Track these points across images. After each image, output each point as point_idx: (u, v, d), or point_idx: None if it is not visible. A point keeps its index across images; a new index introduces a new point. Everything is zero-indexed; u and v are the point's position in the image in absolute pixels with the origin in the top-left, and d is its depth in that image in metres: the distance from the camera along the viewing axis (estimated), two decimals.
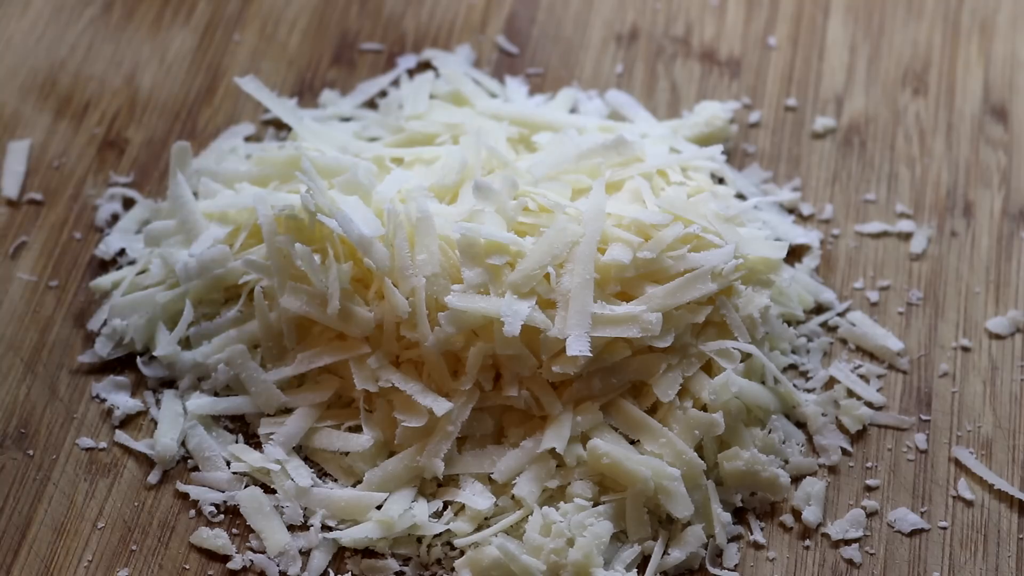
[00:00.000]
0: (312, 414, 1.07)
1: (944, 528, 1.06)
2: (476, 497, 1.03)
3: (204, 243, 1.11)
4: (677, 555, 1.03)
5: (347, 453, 1.06)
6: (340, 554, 1.04)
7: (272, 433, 1.07)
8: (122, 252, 1.17)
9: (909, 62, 1.28)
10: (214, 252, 1.10)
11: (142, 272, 1.14)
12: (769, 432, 1.07)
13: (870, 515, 1.06)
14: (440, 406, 1.04)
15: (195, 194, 1.15)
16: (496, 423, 1.06)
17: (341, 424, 1.07)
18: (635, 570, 1.02)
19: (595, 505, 1.03)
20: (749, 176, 1.21)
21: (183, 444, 1.08)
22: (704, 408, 1.06)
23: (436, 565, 1.03)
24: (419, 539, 1.04)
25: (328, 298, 1.05)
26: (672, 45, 1.29)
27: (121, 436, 1.08)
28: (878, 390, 1.11)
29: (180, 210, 1.14)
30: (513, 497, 1.04)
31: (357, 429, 1.07)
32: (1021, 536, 1.05)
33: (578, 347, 1.03)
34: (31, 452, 1.08)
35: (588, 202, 1.08)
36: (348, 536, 1.03)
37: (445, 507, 1.05)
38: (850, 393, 1.11)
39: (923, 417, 1.10)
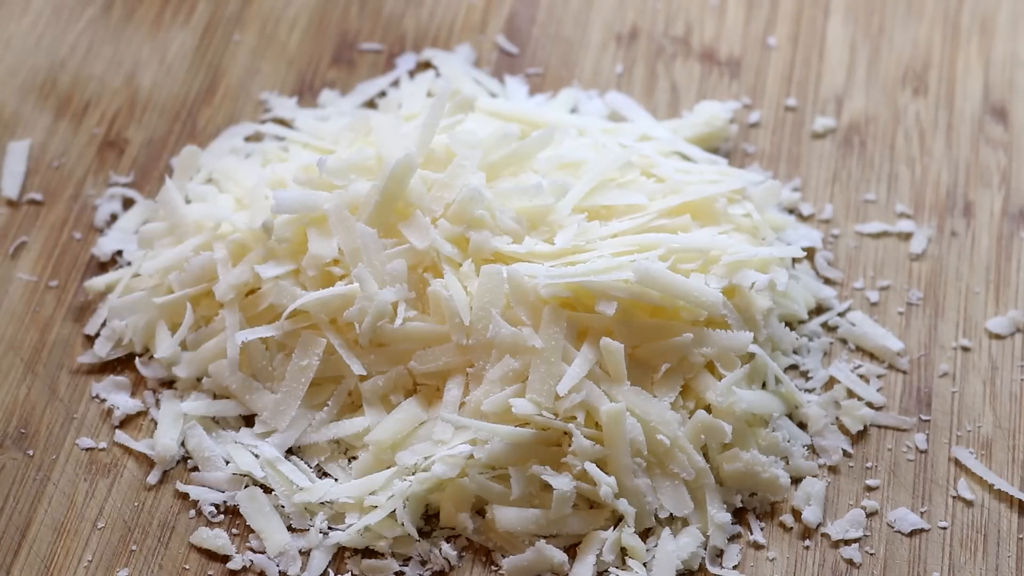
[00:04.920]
0: (308, 414, 1.07)
1: (944, 528, 1.06)
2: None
3: (187, 249, 1.11)
4: (677, 555, 1.03)
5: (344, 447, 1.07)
6: (340, 554, 1.04)
7: (268, 433, 1.07)
8: (120, 252, 1.17)
9: (909, 62, 1.28)
10: (202, 260, 1.10)
11: (138, 274, 1.14)
12: (773, 431, 1.07)
13: (870, 515, 1.06)
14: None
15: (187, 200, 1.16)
16: None
17: (339, 418, 1.08)
18: (642, 566, 1.03)
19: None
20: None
21: (183, 444, 1.08)
22: (708, 408, 1.06)
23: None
24: (419, 538, 1.04)
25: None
26: (672, 45, 1.29)
27: (121, 436, 1.08)
28: (878, 390, 1.11)
29: (171, 215, 1.13)
30: None
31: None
32: (1021, 536, 1.05)
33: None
34: (31, 452, 1.08)
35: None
36: (348, 536, 1.03)
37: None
38: (850, 393, 1.11)
39: (923, 417, 1.10)
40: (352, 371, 1.06)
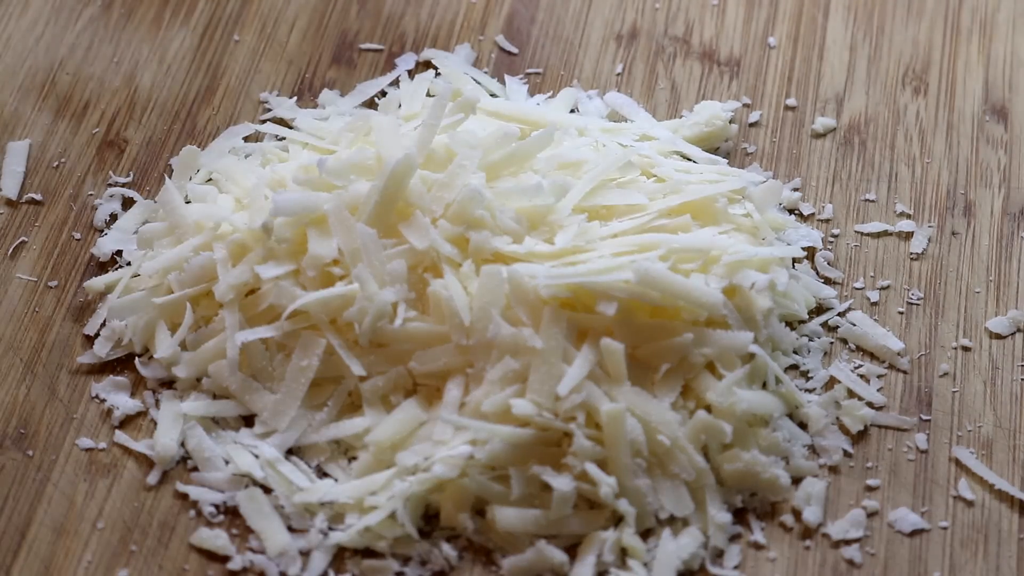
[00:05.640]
0: (308, 415, 1.07)
1: (945, 528, 1.06)
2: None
3: (187, 250, 1.11)
4: (677, 555, 1.03)
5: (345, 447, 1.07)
6: (340, 554, 1.04)
7: (268, 433, 1.07)
8: (120, 252, 1.17)
9: (909, 62, 1.28)
10: (202, 260, 1.10)
11: (137, 274, 1.14)
12: (773, 431, 1.07)
13: (870, 515, 1.06)
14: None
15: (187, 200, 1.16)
16: None
17: (339, 418, 1.08)
18: (642, 566, 1.03)
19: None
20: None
21: (183, 444, 1.08)
22: (708, 408, 1.06)
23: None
24: (420, 539, 1.04)
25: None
26: (672, 45, 1.29)
27: (121, 436, 1.08)
28: (878, 390, 1.11)
29: (171, 215, 1.14)
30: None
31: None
32: (1022, 536, 1.05)
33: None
34: (31, 452, 1.08)
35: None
36: (348, 536, 1.03)
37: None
38: (851, 393, 1.11)
39: (923, 417, 1.10)
40: (352, 371, 1.06)
